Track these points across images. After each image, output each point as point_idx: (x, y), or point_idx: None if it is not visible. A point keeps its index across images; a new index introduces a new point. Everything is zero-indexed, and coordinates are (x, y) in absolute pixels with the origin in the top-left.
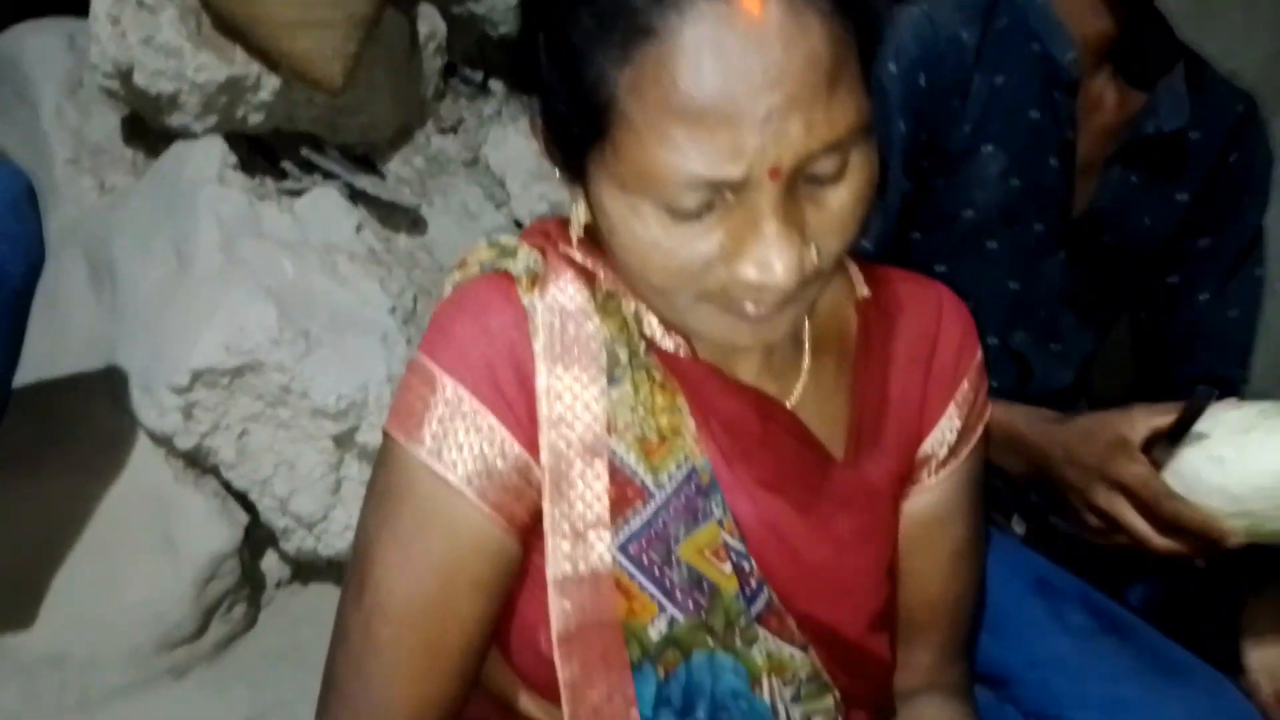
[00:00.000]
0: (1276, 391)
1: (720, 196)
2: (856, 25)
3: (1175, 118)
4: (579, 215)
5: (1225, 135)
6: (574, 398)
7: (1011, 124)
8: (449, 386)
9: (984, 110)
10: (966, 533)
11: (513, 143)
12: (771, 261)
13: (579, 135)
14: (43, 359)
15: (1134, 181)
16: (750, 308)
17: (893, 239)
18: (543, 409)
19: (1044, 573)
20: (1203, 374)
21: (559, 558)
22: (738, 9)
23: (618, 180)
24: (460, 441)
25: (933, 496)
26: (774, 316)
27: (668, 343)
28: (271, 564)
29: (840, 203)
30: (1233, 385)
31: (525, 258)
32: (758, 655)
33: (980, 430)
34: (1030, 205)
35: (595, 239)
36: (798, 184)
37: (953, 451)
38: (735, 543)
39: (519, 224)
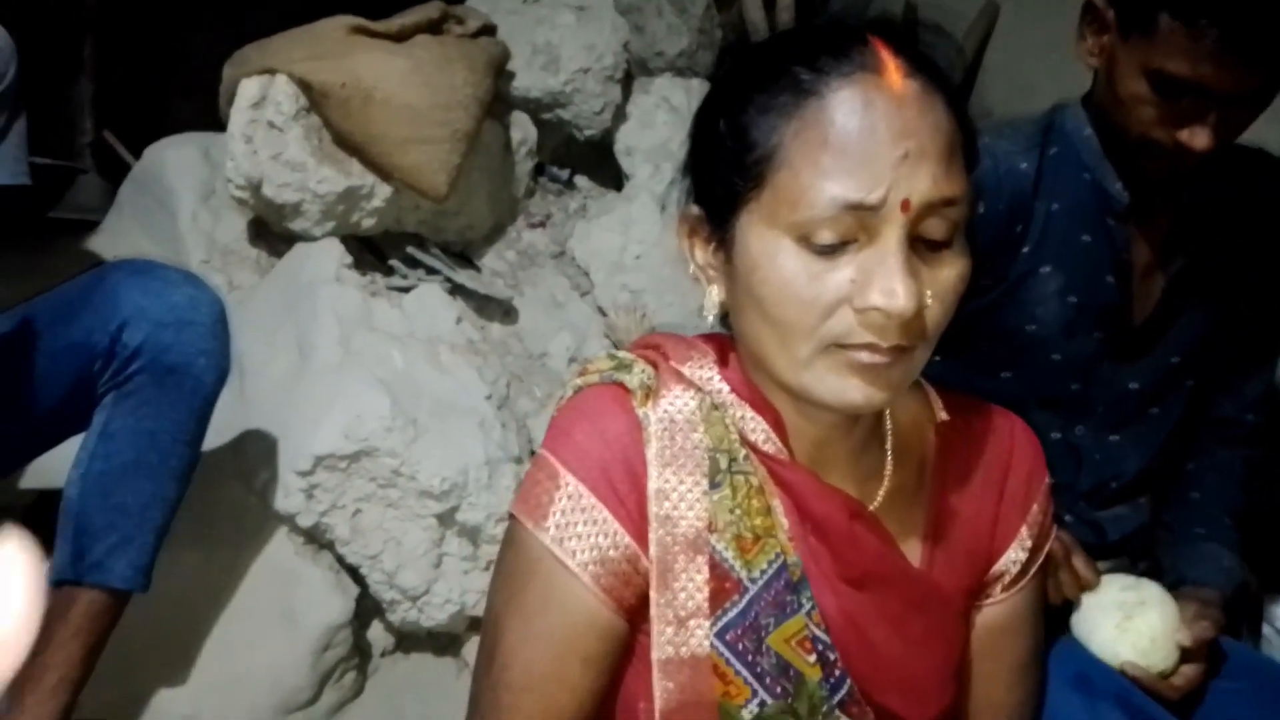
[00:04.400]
0: None
1: (854, 237)
2: (963, 129)
3: (1222, 233)
4: (713, 299)
5: (1273, 211)
6: (680, 498)
7: (1067, 247)
8: (570, 483)
9: (1041, 234)
10: (1031, 643)
11: (596, 236)
12: (896, 288)
13: (739, 188)
14: None
15: (1190, 288)
16: (865, 356)
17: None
18: (652, 508)
19: (1085, 667)
20: (1223, 416)
21: (663, 642)
22: (884, 81)
23: (769, 217)
24: (579, 532)
25: (1002, 609)
26: (884, 370)
27: (769, 446)
28: (377, 634)
29: (947, 275)
30: (1246, 426)
31: (640, 373)
32: None
33: (1046, 549)
34: (1089, 319)
35: (718, 335)
36: (918, 242)
37: (1023, 570)
38: (821, 634)
39: (602, 311)
